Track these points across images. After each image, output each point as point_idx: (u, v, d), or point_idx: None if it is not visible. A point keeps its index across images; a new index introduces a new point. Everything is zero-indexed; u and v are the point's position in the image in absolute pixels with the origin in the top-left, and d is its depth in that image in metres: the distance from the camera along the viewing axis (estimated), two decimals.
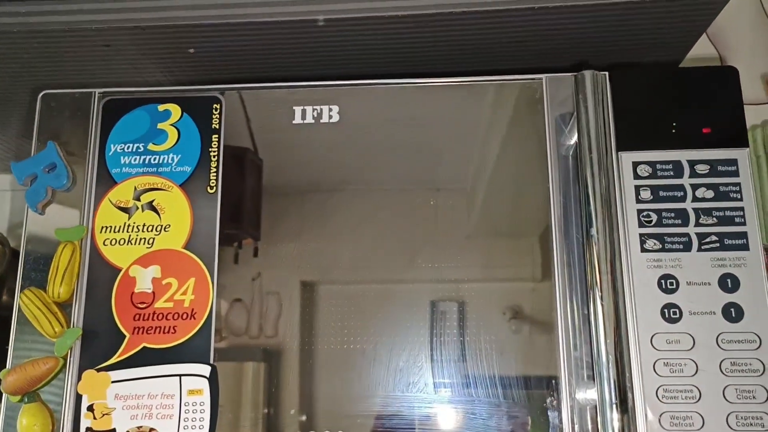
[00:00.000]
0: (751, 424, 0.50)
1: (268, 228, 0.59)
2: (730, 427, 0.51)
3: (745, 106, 0.78)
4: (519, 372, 0.54)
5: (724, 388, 0.51)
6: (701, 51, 0.82)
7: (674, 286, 0.54)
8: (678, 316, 0.53)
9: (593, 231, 0.52)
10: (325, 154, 0.60)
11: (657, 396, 0.52)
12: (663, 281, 0.54)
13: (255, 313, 0.57)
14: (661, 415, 0.51)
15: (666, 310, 0.53)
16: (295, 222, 0.59)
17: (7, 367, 0.56)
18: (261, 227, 0.59)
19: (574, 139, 0.56)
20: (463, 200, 0.59)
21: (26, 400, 0.55)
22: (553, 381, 0.53)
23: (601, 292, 0.51)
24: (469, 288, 0.56)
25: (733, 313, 0.53)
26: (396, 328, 0.56)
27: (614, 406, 0.49)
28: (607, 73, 0.59)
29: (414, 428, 0.54)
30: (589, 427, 0.52)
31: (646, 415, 0.51)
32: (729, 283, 0.53)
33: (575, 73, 0.57)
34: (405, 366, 0.55)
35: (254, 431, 0.54)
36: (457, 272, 0.57)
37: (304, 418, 0.54)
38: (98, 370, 0.55)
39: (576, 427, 0.52)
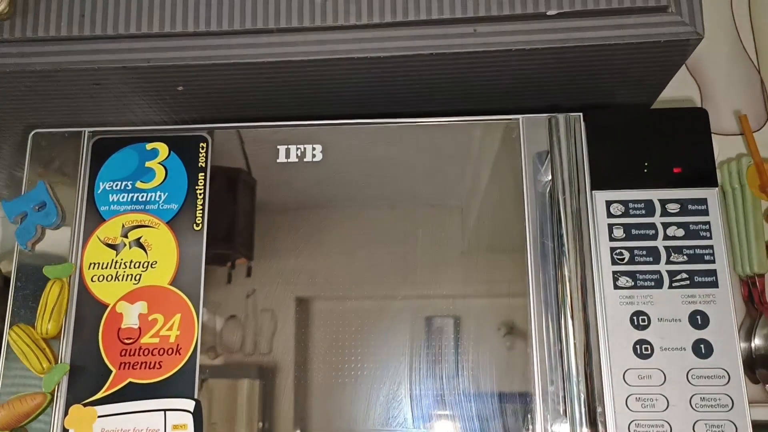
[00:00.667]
0: None
1: (261, 247, 0.60)
2: None
3: (721, 137, 0.81)
4: (505, 390, 0.55)
5: (695, 423, 0.53)
6: (679, 86, 0.84)
7: (646, 323, 0.55)
8: (650, 352, 0.55)
9: (566, 270, 0.54)
10: (310, 189, 0.62)
11: (629, 431, 0.53)
12: (635, 318, 0.55)
13: (249, 329, 0.58)
14: None
15: (638, 346, 0.55)
16: (289, 240, 0.60)
17: None
18: (254, 247, 0.60)
19: (550, 177, 0.58)
20: (457, 217, 0.60)
21: None
22: (529, 415, 0.55)
23: (574, 328, 0.53)
24: (464, 304, 0.58)
25: (702, 349, 0.54)
26: (391, 344, 0.57)
27: None
28: (581, 114, 0.61)
29: None
30: None
31: None
32: (699, 319, 0.55)
33: (549, 115, 0.59)
34: (401, 382, 0.56)
35: None
36: (452, 288, 0.58)
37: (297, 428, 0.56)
38: (85, 405, 0.56)
39: None
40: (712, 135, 0.80)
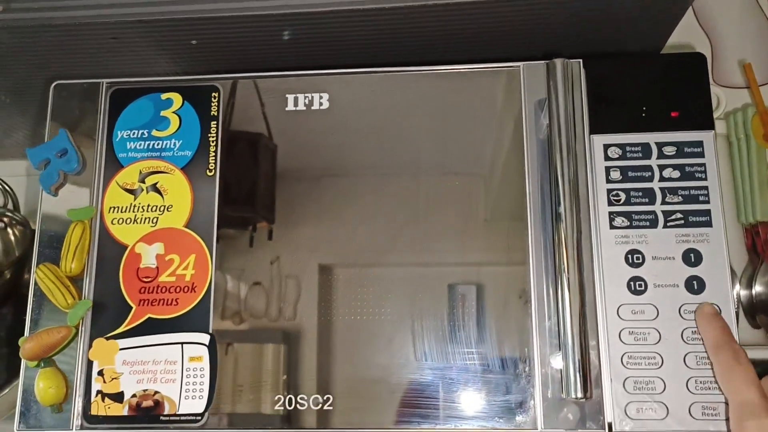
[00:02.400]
0: (709, 388, 0.54)
1: (281, 211, 0.62)
2: (689, 391, 0.54)
3: (729, 89, 0.81)
4: (503, 328, 0.58)
5: (685, 355, 0.55)
6: (691, 35, 0.84)
7: (640, 261, 0.57)
8: (643, 288, 0.57)
9: (561, 209, 0.56)
10: (325, 141, 0.64)
11: (622, 362, 0.55)
12: (630, 256, 0.57)
13: (274, 295, 0.61)
14: (625, 380, 0.55)
15: (632, 283, 0.57)
16: (311, 206, 0.62)
17: (25, 335, 0.61)
18: (275, 210, 0.63)
19: (548, 122, 0.60)
20: (480, 184, 0.62)
21: (42, 365, 0.60)
22: (526, 349, 0.57)
23: (567, 265, 0.55)
24: (485, 271, 0.60)
25: (695, 285, 0.56)
26: (414, 311, 0.59)
27: (577, 371, 0.53)
28: (581, 60, 0.62)
29: (438, 401, 0.58)
30: (561, 393, 0.56)
31: (611, 380, 0.55)
32: (692, 257, 0.57)
33: (548, 61, 0.61)
34: (427, 349, 0.58)
35: (275, 415, 0.58)
36: (473, 255, 0.60)
37: (314, 396, 0.58)
38: (107, 339, 0.60)
39: (548, 392, 0.56)
40: (720, 87, 0.81)
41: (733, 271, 0.58)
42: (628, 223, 0.58)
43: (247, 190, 0.63)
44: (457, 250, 0.60)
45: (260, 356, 0.59)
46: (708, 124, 0.59)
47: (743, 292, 0.74)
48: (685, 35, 0.84)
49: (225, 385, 0.59)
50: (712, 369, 0.54)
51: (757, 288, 0.73)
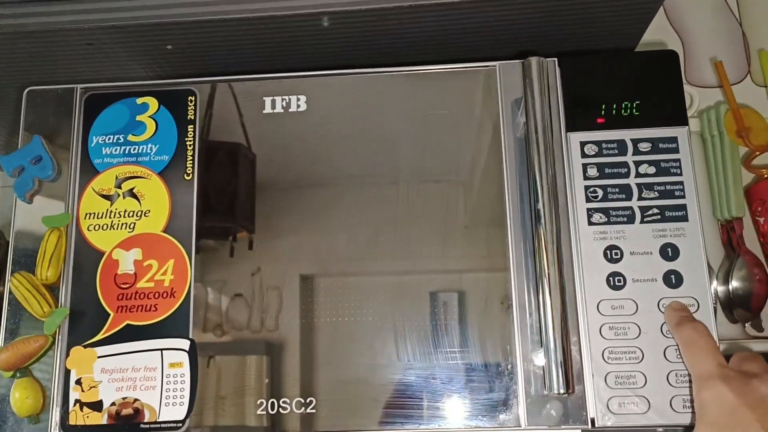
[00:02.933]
0: (690, 381, 0.54)
1: (261, 221, 0.62)
2: (670, 384, 0.55)
3: (701, 88, 0.82)
4: (485, 325, 0.58)
5: (665, 349, 0.55)
6: (662, 36, 0.85)
7: (619, 256, 0.58)
8: (622, 283, 0.57)
9: (539, 206, 0.56)
10: (301, 144, 0.64)
11: (603, 357, 0.56)
12: (608, 252, 0.58)
13: (256, 307, 0.60)
14: (607, 375, 0.55)
15: (611, 278, 0.57)
16: (291, 215, 0.62)
17: (0, 344, 0.60)
18: (255, 220, 0.62)
19: (525, 120, 0.60)
20: (459, 191, 0.62)
21: (18, 375, 0.59)
22: (508, 347, 0.57)
23: (547, 263, 0.55)
24: (467, 278, 0.60)
25: (673, 279, 0.57)
26: (396, 319, 0.59)
27: (559, 367, 0.53)
28: (555, 59, 0.62)
29: (422, 401, 0.57)
30: (544, 389, 0.56)
31: (593, 375, 0.55)
32: (669, 252, 0.57)
33: (523, 60, 0.61)
34: (409, 351, 0.58)
35: (258, 421, 0.58)
36: (454, 263, 0.60)
37: (296, 399, 0.58)
38: (85, 347, 0.59)
39: (531, 389, 0.56)
40: (693, 87, 0.82)
41: (710, 267, 0.59)
42: (606, 219, 0.58)
43: (226, 198, 0.63)
44: (437, 257, 0.60)
45: (243, 367, 0.59)
46: (682, 120, 0.60)
47: (720, 288, 0.74)
48: (659, 34, 0.85)
49: (207, 392, 0.58)
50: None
51: (734, 283, 0.74)
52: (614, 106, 0.61)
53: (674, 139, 0.60)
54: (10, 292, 0.60)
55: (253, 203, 0.62)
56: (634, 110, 0.61)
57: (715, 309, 0.66)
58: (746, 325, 0.74)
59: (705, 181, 0.77)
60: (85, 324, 0.60)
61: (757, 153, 0.76)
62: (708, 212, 0.76)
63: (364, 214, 0.61)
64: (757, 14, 0.85)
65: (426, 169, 0.62)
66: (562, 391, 0.53)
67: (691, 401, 0.54)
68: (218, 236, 0.62)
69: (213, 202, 0.63)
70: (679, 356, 0.55)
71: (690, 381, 0.54)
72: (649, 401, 0.55)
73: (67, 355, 0.59)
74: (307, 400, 0.58)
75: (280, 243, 0.61)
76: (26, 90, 0.66)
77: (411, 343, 0.58)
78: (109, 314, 0.60)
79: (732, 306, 0.74)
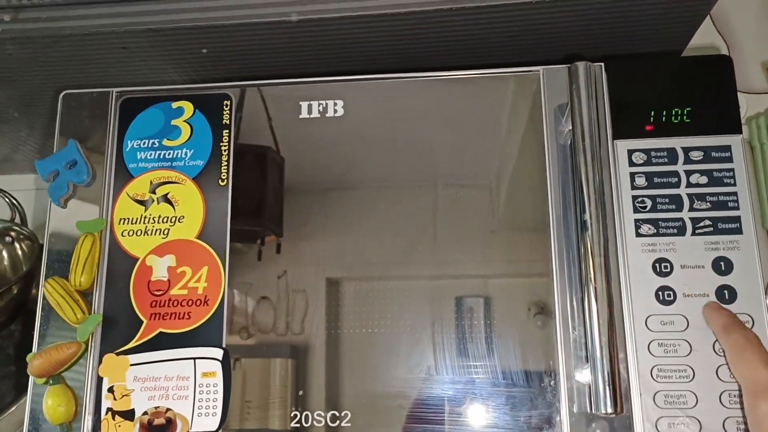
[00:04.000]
0: (742, 402, 0.52)
1: (289, 225, 0.61)
2: (723, 405, 0.52)
3: (749, 95, 0.79)
4: (527, 342, 0.56)
5: (718, 368, 0.53)
6: (707, 40, 0.83)
7: (668, 270, 0.55)
8: (672, 298, 0.55)
9: (586, 216, 0.54)
10: (336, 149, 0.62)
11: (652, 375, 0.53)
12: (657, 265, 0.55)
13: (282, 310, 0.59)
14: (655, 394, 0.53)
15: (660, 293, 0.55)
16: (320, 218, 0.61)
17: (33, 351, 0.59)
18: (283, 224, 0.61)
19: (570, 127, 0.58)
20: (486, 195, 0.60)
21: (51, 382, 0.58)
22: (551, 362, 0.55)
23: (594, 274, 0.53)
24: (494, 284, 0.58)
25: (726, 295, 0.54)
26: (422, 324, 0.57)
27: (607, 385, 0.51)
28: (602, 64, 0.60)
29: (444, 415, 0.56)
30: (588, 407, 0.53)
31: (641, 394, 0.53)
32: (722, 266, 0.55)
33: (569, 65, 0.59)
34: (432, 362, 0.57)
35: (283, 425, 0.57)
36: (482, 268, 0.58)
37: (331, 413, 0.56)
38: (118, 354, 0.58)
39: (574, 406, 0.54)
40: (740, 93, 0.79)
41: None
42: (655, 231, 0.56)
43: (257, 202, 0.62)
44: (472, 263, 0.59)
45: (271, 372, 0.58)
46: (735, 128, 0.58)
47: None
48: (704, 38, 0.83)
49: (236, 399, 0.57)
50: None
51: None
52: (663, 112, 0.58)
53: (727, 148, 0.57)
54: (44, 298, 0.59)
55: (282, 207, 0.61)
56: (685, 117, 0.58)
57: None
58: None
59: (754, 190, 0.74)
60: (118, 331, 0.59)
61: None
62: (757, 222, 0.73)
63: (395, 219, 0.60)
64: None
65: (461, 175, 0.61)
66: (609, 410, 0.51)
67: (745, 422, 0.51)
68: (247, 239, 0.61)
69: (244, 207, 0.61)
70: (732, 376, 0.52)
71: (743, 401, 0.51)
72: (700, 422, 0.52)
73: (100, 362, 0.58)
74: (342, 413, 0.56)
75: (307, 247, 0.60)
76: (62, 93, 0.66)
77: (447, 355, 0.56)
78: (142, 321, 0.59)
79: None
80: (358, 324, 0.58)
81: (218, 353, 0.58)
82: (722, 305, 0.54)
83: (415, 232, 0.60)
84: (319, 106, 0.63)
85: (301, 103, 0.63)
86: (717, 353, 0.53)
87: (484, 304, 0.57)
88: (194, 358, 0.57)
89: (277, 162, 0.62)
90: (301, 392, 0.57)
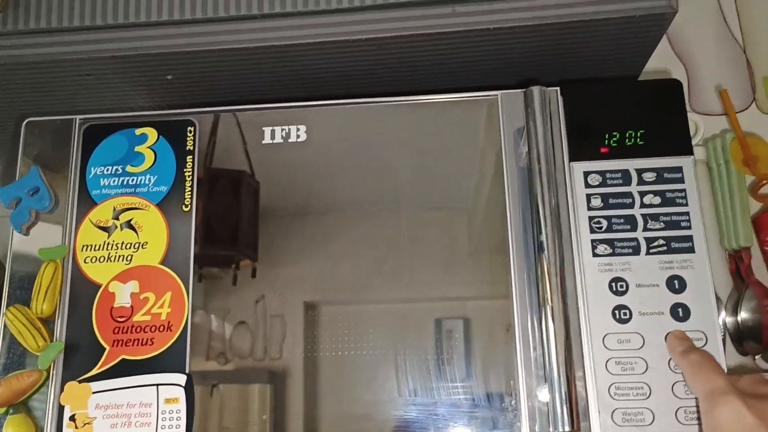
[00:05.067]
0: (698, 419, 0.53)
1: (265, 249, 0.61)
2: (679, 421, 0.53)
3: (706, 116, 0.81)
4: (489, 359, 0.57)
5: (673, 385, 0.54)
6: (666, 64, 0.85)
7: (624, 289, 0.56)
8: (628, 316, 0.56)
9: (542, 237, 0.55)
10: (305, 174, 0.63)
11: (609, 393, 0.54)
12: (614, 284, 0.57)
13: (259, 335, 0.59)
14: (613, 412, 0.54)
15: (617, 311, 0.56)
16: (294, 242, 0.61)
17: None
18: (258, 248, 0.61)
19: (527, 150, 0.59)
20: (464, 218, 0.61)
21: (11, 411, 0.57)
22: (511, 381, 0.56)
23: (551, 295, 0.54)
24: (472, 306, 0.59)
25: (680, 312, 0.55)
26: (401, 347, 0.58)
27: (564, 404, 0.51)
28: (558, 88, 0.62)
29: None
30: (549, 427, 0.54)
31: (599, 412, 0.54)
32: (676, 284, 0.56)
33: (525, 90, 0.60)
34: (412, 385, 0.57)
35: None
36: (460, 290, 0.59)
37: None
38: (80, 382, 0.58)
39: (536, 426, 0.55)
40: (698, 115, 0.82)
41: (718, 298, 0.57)
42: (611, 251, 0.57)
43: (228, 226, 0.62)
44: (441, 285, 0.59)
45: (246, 397, 0.58)
46: (686, 150, 0.59)
47: (729, 319, 0.73)
48: (663, 62, 0.85)
49: (209, 422, 0.57)
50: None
51: (743, 314, 0.72)
52: (618, 135, 0.60)
53: (679, 169, 0.59)
54: (5, 326, 0.59)
55: (257, 231, 0.61)
56: (638, 140, 0.60)
57: (723, 341, 0.65)
58: (756, 357, 0.72)
59: (712, 210, 0.76)
60: (80, 359, 0.58)
61: (764, 182, 0.75)
62: (715, 242, 0.75)
63: (367, 242, 0.60)
64: (761, 42, 0.85)
65: (428, 197, 0.61)
66: (567, 429, 0.51)
67: None
68: (221, 264, 0.61)
69: (214, 232, 0.62)
70: (688, 392, 0.53)
71: (699, 417, 0.52)
72: None
73: (62, 390, 0.58)
74: None
75: (283, 271, 0.60)
76: (25, 121, 0.66)
77: (415, 377, 0.57)
78: (104, 348, 0.59)
79: (741, 338, 0.72)
80: (337, 347, 0.58)
81: (181, 379, 0.57)
82: (686, 335, 0.55)
83: (392, 255, 0.60)
84: (282, 131, 0.64)
85: (264, 128, 0.64)
86: (673, 370, 0.54)
87: (462, 325, 0.58)
88: (157, 384, 0.57)
89: (249, 184, 0.63)
90: (270, 417, 0.57)
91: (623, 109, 0.61)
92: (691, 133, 0.62)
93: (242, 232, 0.62)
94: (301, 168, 0.63)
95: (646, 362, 0.55)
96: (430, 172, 0.62)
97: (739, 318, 0.72)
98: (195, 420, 0.57)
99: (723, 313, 0.73)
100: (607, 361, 0.55)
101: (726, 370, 0.53)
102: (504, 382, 0.56)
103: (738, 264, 0.74)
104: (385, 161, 0.63)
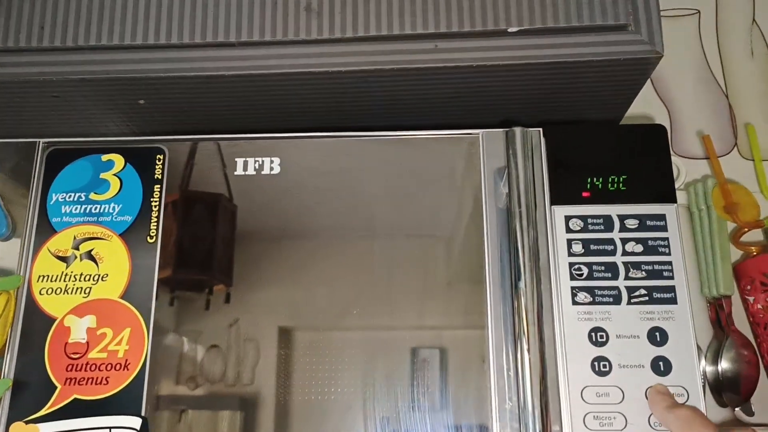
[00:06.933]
0: None
1: (239, 273, 0.59)
2: None
3: (688, 159, 0.81)
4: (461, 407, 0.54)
5: None
6: (647, 108, 0.84)
7: (604, 339, 0.54)
8: (608, 369, 0.54)
9: (521, 284, 0.53)
10: (278, 204, 0.61)
11: None
12: (593, 334, 0.55)
13: (231, 359, 0.57)
14: None
15: (596, 363, 0.54)
16: (270, 268, 0.59)
17: None
18: (233, 273, 0.59)
19: (507, 191, 0.58)
20: (442, 248, 0.59)
21: None
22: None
23: (528, 343, 0.52)
24: (450, 335, 0.57)
25: (661, 366, 0.54)
26: (376, 376, 0.56)
27: None
28: (540, 129, 0.60)
29: None
30: None
31: None
32: (658, 336, 0.54)
33: (506, 130, 0.59)
34: (385, 415, 0.55)
35: None
36: (438, 319, 0.57)
37: None
38: (27, 423, 0.54)
39: None
40: (679, 158, 0.81)
41: (698, 347, 0.56)
42: (591, 299, 0.55)
43: (203, 250, 0.59)
44: (418, 313, 0.57)
45: (218, 425, 0.55)
46: (670, 197, 0.58)
47: (709, 368, 0.71)
48: (645, 104, 0.84)
49: None
50: None
51: (723, 364, 0.71)
52: (600, 179, 0.59)
53: (662, 217, 0.57)
54: None
55: (232, 256, 0.59)
56: (621, 185, 0.58)
57: (704, 389, 0.63)
58: (736, 409, 0.70)
59: (693, 256, 0.75)
60: (29, 397, 0.55)
61: (746, 229, 0.74)
62: (695, 289, 0.74)
63: (344, 269, 0.59)
64: (744, 88, 0.84)
65: (405, 226, 0.60)
66: None
67: None
68: (194, 289, 0.59)
69: (189, 254, 0.59)
70: None
71: None
72: None
73: (6, 431, 0.54)
74: None
75: (258, 295, 0.58)
76: None
77: (385, 408, 0.54)
78: (56, 387, 0.55)
79: (721, 389, 0.71)
80: (310, 374, 0.56)
81: (136, 422, 0.54)
82: (667, 389, 0.53)
83: (368, 283, 0.58)
84: (255, 162, 0.62)
85: (237, 159, 0.62)
86: (653, 427, 0.52)
87: (439, 355, 0.56)
88: (110, 428, 0.54)
89: (229, 210, 0.60)
90: None
91: (606, 153, 0.60)
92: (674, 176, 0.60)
93: (217, 257, 0.59)
94: (276, 196, 0.61)
95: (625, 418, 0.52)
96: (407, 203, 0.60)
97: (719, 368, 0.71)
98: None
99: (703, 362, 0.71)
100: (585, 415, 0.53)
101: None
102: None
103: (718, 312, 0.73)
104: (363, 192, 0.61)
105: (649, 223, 0.57)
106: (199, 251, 0.59)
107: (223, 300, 0.58)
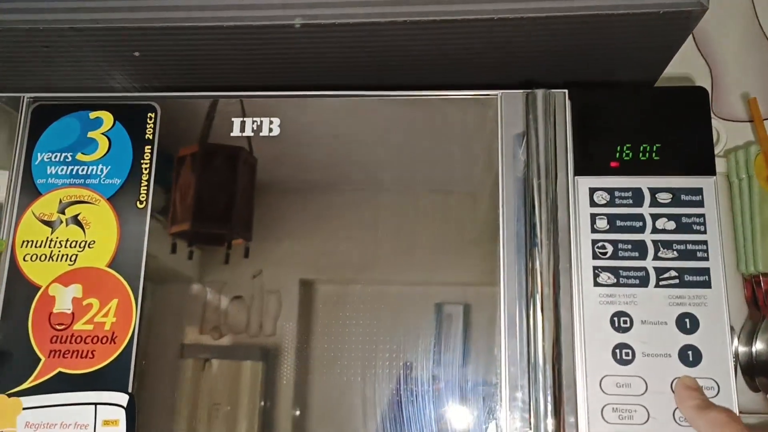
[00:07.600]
0: None
1: (260, 228, 0.56)
2: None
3: (730, 123, 0.74)
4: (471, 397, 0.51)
5: None
6: (686, 68, 0.78)
7: (628, 325, 0.50)
8: (630, 357, 0.49)
9: (537, 264, 0.48)
10: (265, 166, 0.57)
11: None
12: (616, 319, 0.50)
13: (254, 311, 0.54)
14: None
15: (618, 351, 0.49)
16: (291, 221, 0.55)
17: None
18: (252, 227, 0.56)
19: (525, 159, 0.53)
20: (469, 204, 0.55)
21: None
22: (495, 422, 0.49)
23: (543, 328, 0.47)
24: (475, 291, 0.53)
25: (690, 356, 0.49)
26: (398, 330, 0.52)
27: None
28: (566, 91, 0.55)
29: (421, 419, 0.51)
30: None
31: None
32: (687, 323, 0.49)
33: (527, 91, 0.53)
34: (408, 367, 0.52)
35: (250, 427, 0.52)
36: (462, 275, 0.53)
37: (298, 412, 0.52)
38: (9, 395, 0.52)
39: None
40: (721, 120, 0.74)
41: (731, 327, 0.51)
42: (615, 281, 0.50)
43: (222, 203, 0.56)
44: (441, 269, 0.54)
45: (241, 375, 0.53)
46: (709, 169, 0.52)
47: (742, 349, 0.67)
48: (685, 61, 0.77)
49: (200, 404, 0.52)
50: None
51: (758, 346, 0.66)
52: (631, 148, 0.53)
53: (699, 191, 0.52)
54: None
55: (252, 209, 0.56)
56: (654, 154, 0.53)
57: (735, 372, 0.58)
58: None
59: (730, 229, 0.69)
60: (12, 369, 0.53)
61: None
62: (731, 264, 0.68)
63: (367, 223, 0.55)
64: None
65: (443, 182, 0.56)
66: None
67: None
68: (214, 243, 0.56)
69: (208, 207, 0.56)
70: None
71: None
72: None
73: None
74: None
75: (279, 247, 0.55)
76: None
77: (409, 359, 0.51)
78: (40, 359, 0.52)
79: (753, 372, 0.66)
80: (331, 327, 0.53)
81: (123, 399, 0.51)
82: (697, 384, 0.48)
83: (391, 237, 0.55)
84: (253, 123, 0.57)
85: (233, 119, 0.57)
86: (678, 423, 0.48)
87: (463, 310, 0.52)
88: (95, 404, 0.51)
89: (249, 163, 0.57)
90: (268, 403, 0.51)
91: (639, 118, 0.54)
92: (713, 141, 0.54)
93: (237, 210, 0.56)
94: (294, 150, 0.57)
95: (647, 411, 0.48)
96: (430, 160, 0.56)
97: (753, 349, 0.66)
98: (183, 396, 0.52)
99: (735, 342, 0.66)
100: (604, 407, 0.48)
101: (738, 411, 0.47)
102: (485, 422, 0.49)
103: (755, 290, 0.68)
104: (383, 147, 0.57)
105: (683, 197, 0.52)
106: (220, 203, 0.56)
107: (242, 254, 0.55)
